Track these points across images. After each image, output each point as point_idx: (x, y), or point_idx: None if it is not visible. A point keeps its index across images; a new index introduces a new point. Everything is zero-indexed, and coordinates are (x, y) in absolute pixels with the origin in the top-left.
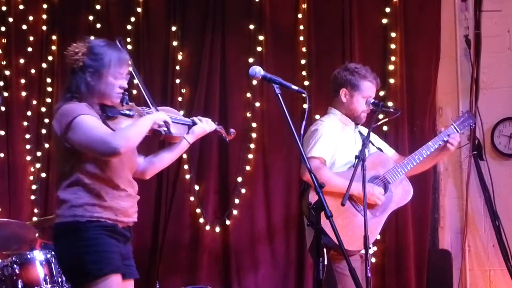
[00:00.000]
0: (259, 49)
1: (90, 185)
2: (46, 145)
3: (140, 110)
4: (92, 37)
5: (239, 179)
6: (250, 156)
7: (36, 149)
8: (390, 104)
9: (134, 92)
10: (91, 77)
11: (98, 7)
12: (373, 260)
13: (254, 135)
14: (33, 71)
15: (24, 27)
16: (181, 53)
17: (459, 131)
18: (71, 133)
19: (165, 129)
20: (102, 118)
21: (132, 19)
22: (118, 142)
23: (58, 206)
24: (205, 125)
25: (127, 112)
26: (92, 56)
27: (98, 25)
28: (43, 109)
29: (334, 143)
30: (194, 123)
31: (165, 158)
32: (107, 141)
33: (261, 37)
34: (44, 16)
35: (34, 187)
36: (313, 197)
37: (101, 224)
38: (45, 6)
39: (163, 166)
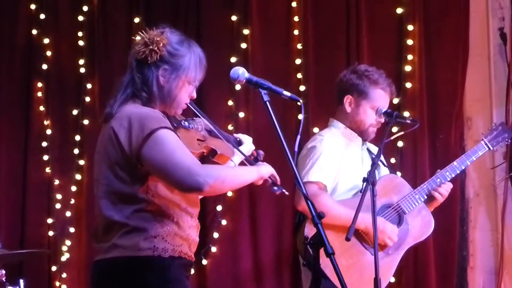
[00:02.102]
0: (243, 45)
1: (167, 211)
2: None
3: (194, 122)
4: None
5: (219, 208)
6: None
7: None
8: (406, 114)
9: None
10: (165, 76)
11: None
12: None
13: None
14: None
15: None
16: None
17: (492, 148)
18: (147, 149)
19: (270, 182)
20: None
21: (85, 8)
22: (207, 178)
23: (121, 235)
24: (249, 145)
25: (186, 124)
26: (173, 51)
27: (43, 16)
28: None
29: (337, 164)
30: (240, 143)
31: None
32: (194, 172)
33: (246, 31)
34: None
35: None
36: (310, 231)
37: (182, 262)
38: None
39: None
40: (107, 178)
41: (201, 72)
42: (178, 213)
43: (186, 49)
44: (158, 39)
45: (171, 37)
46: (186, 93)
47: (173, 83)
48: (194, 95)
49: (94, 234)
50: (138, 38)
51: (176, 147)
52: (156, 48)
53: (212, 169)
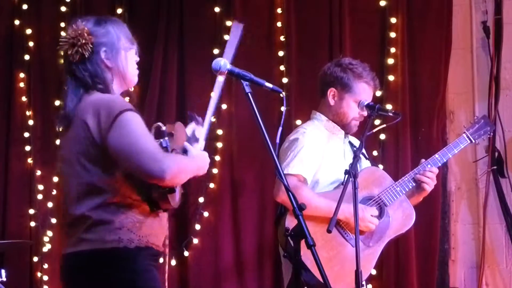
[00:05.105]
0: (226, 37)
1: (133, 202)
2: None
3: None
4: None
5: (201, 200)
6: (215, 170)
7: None
8: (388, 106)
9: None
10: (108, 57)
11: None
12: None
13: (220, 144)
14: None
15: None
16: None
17: (474, 141)
18: (113, 132)
19: None
20: None
21: None
22: (171, 168)
23: (86, 228)
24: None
25: None
26: (99, 33)
27: (25, 6)
28: None
29: (318, 157)
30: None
31: None
32: (158, 158)
33: (228, 23)
34: None
35: None
36: (291, 222)
37: (150, 252)
38: None
39: None
40: (73, 168)
41: (128, 38)
42: (144, 204)
43: (106, 24)
44: (79, 32)
45: (88, 23)
46: (132, 60)
47: (117, 59)
48: (137, 57)
49: (60, 226)
50: (60, 45)
51: (142, 132)
52: (83, 41)
53: (174, 158)
